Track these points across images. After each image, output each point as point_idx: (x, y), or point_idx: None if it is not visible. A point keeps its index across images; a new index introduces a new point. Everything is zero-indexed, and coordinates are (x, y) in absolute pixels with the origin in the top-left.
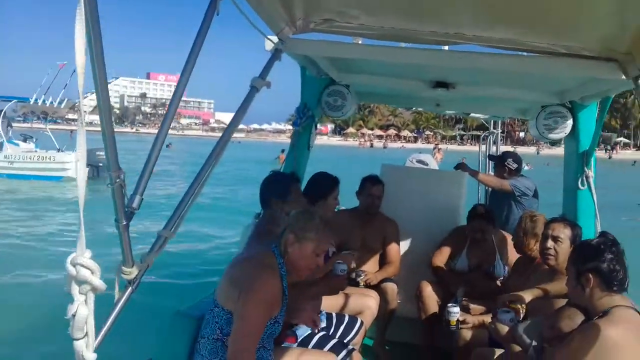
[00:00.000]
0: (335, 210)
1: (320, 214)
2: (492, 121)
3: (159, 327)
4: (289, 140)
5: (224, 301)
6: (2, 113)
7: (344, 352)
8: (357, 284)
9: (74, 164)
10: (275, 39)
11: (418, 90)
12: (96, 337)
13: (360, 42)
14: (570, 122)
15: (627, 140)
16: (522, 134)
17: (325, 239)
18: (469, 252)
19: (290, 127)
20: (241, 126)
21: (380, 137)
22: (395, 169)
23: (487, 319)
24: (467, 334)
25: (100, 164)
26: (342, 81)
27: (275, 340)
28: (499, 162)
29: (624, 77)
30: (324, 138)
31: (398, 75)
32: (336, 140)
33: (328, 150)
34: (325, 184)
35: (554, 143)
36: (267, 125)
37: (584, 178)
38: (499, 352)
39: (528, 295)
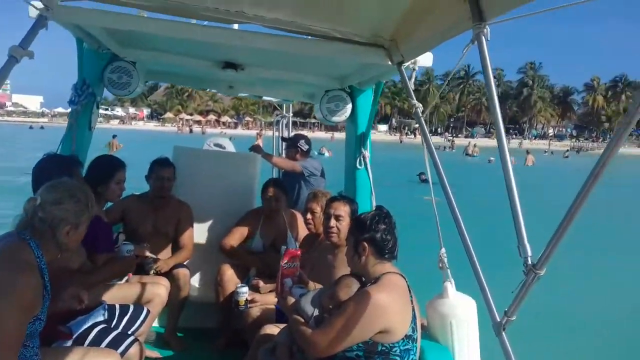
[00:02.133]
0: (122, 196)
1: (76, 187)
2: (284, 105)
3: None
4: (127, 126)
5: None
6: None
7: (125, 344)
8: (147, 273)
9: None
10: (39, 4)
11: (208, 70)
12: None
13: (145, 15)
14: (349, 106)
15: None
16: None
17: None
18: (262, 232)
19: (102, 111)
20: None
21: (199, 122)
22: (188, 151)
23: (273, 296)
24: (255, 312)
25: None
26: (127, 57)
27: (46, 339)
28: (292, 143)
29: (389, 62)
30: (140, 123)
31: (187, 54)
32: (153, 126)
33: (145, 136)
34: (107, 168)
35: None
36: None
37: (362, 158)
38: (284, 326)
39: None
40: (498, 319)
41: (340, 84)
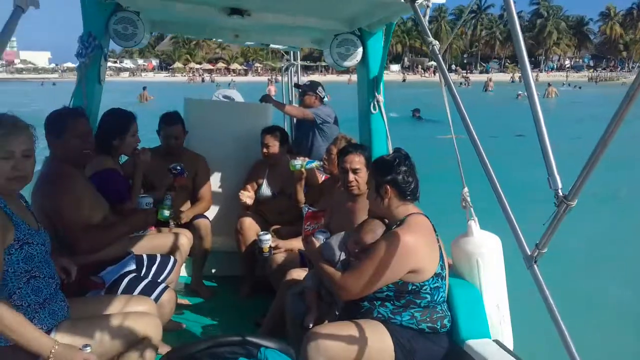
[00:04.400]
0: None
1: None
2: (292, 52)
3: None
4: (137, 78)
5: None
6: None
7: (157, 290)
8: (167, 225)
9: None
10: None
11: (214, 17)
12: None
13: None
14: (360, 49)
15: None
16: None
17: (4, 139)
18: (269, 180)
19: (111, 64)
20: (52, 65)
21: (209, 71)
22: (200, 103)
23: (298, 242)
24: (279, 257)
25: None
26: (130, 7)
27: (79, 289)
28: (310, 89)
29: (402, 0)
30: (150, 75)
31: (192, 1)
32: (163, 77)
33: (162, 87)
34: (122, 120)
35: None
36: None
37: (375, 102)
38: (310, 271)
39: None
40: (529, 252)
41: (350, 27)
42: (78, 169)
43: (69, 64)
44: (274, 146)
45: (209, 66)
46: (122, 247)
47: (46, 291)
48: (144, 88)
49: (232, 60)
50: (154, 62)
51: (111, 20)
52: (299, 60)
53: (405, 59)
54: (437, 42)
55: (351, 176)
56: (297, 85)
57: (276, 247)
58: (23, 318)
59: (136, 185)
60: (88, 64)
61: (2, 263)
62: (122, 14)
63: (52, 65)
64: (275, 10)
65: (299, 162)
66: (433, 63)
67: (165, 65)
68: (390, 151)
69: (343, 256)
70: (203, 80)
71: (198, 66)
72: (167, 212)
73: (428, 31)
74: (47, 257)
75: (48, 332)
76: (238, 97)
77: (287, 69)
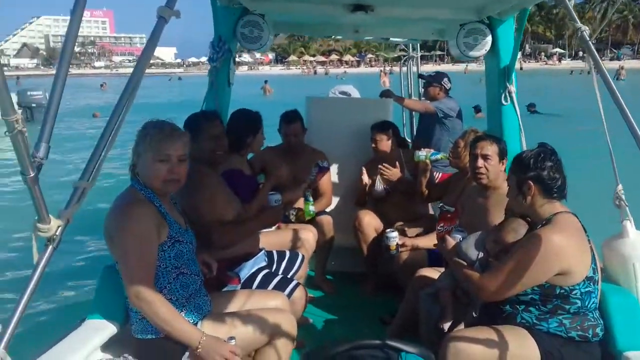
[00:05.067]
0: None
1: (154, 123)
2: (410, 44)
3: (91, 285)
4: (254, 72)
5: (113, 255)
6: None
7: (289, 287)
8: (289, 221)
9: None
10: None
11: (336, 15)
12: (18, 303)
13: None
14: (489, 38)
15: (562, 51)
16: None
17: (163, 143)
18: (382, 175)
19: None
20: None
21: (322, 63)
22: (320, 101)
23: (425, 240)
24: (406, 256)
25: (34, 105)
26: (256, 10)
27: (216, 284)
28: (435, 81)
29: None
30: (266, 68)
31: (315, 0)
32: (279, 69)
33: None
34: (253, 120)
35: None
36: (205, 58)
37: (507, 93)
38: (439, 271)
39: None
40: None
41: (478, 15)
42: (212, 168)
43: (193, 59)
44: (383, 141)
45: (322, 58)
46: (255, 243)
47: (192, 287)
48: (266, 82)
49: (344, 52)
50: (270, 55)
51: (238, 23)
52: (418, 52)
53: (527, 46)
54: (587, 28)
55: (480, 162)
56: (421, 76)
57: (403, 245)
58: (175, 311)
59: (265, 189)
60: (219, 68)
61: (156, 259)
62: (248, 17)
63: (178, 60)
64: (401, 3)
65: (423, 153)
66: (558, 50)
67: (280, 59)
68: (524, 145)
69: (481, 256)
70: (315, 73)
71: (312, 59)
72: (312, 208)
73: (574, 15)
74: (193, 255)
75: (194, 324)
76: (355, 93)
77: (405, 60)
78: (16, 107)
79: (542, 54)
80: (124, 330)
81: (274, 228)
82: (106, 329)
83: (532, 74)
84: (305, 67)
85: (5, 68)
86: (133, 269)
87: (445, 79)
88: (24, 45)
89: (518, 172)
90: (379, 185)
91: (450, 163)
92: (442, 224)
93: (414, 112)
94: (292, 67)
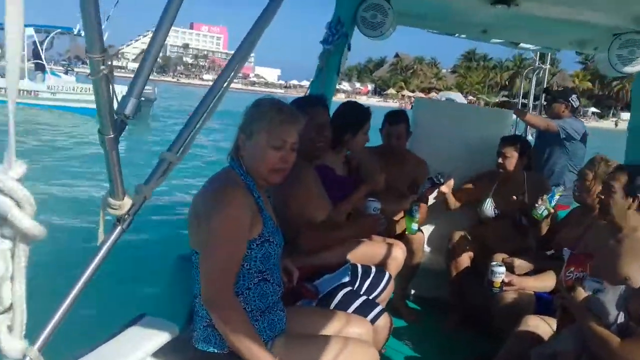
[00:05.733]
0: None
1: (271, 101)
2: (538, 54)
3: (157, 276)
4: (336, 99)
5: (193, 243)
6: (48, 42)
7: (374, 313)
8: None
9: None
10: None
11: (472, 9)
12: (71, 288)
13: None
14: None
15: None
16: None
17: (281, 127)
18: (495, 197)
19: None
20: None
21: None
22: (430, 104)
23: (537, 282)
24: (509, 297)
25: (143, 99)
26: None
27: (292, 295)
28: (561, 97)
29: None
30: (363, 98)
31: None
32: (376, 101)
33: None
34: (356, 115)
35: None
36: (306, 82)
37: None
38: (548, 321)
39: None
40: None
41: (637, 24)
42: (309, 162)
43: (294, 81)
44: (512, 158)
45: (421, 95)
46: (342, 253)
47: (271, 298)
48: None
49: (445, 91)
50: (370, 86)
51: (361, 6)
52: (547, 64)
53: None
54: None
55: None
56: (546, 91)
57: (509, 284)
58: (251, 327)
59: (360, 193)
60: (332, 52)
61: (237, 260)
62: (373, 0)
63: (281, 81)
64: (548, 0)
65: (542, 207)
66: None
67: (379, 91)
68: None
69: (622, 318)
70: (411, 107)
71: (411, 94)
72: (415, 226)
73: None
74: (279, 260)
75: (265, 344)
76: (460, 99)
77: (532, 72)
78: None
79: None
80: (184, 335)
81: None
82: (164, 332)
83: None
84: (402, 101)
85: (123, 71)
86: (217, 262)
87: (574, 96)
88: (143, 51)
89: None
90: (489, 207)
91: (574, 197)
92: (572, 269)
93: (529, 130)
94: (389, 100)
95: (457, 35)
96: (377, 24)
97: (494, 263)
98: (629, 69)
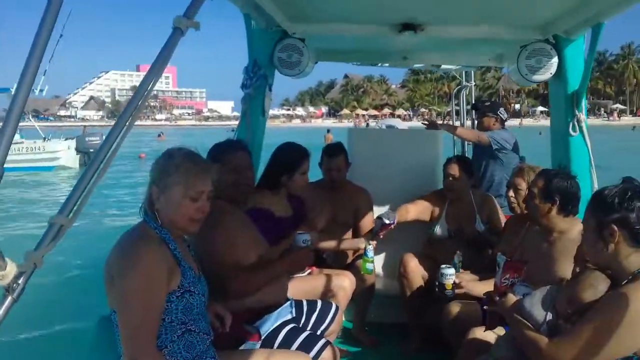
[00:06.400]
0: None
1: (184, 152)
2: (463, 73)
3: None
4: (307, 124)
5: (111, 302)
6: None
7: (317, 346)
8: (324, 264)
9: (65, 153)
10: None
11: (382, 37)
12: None
13: None
14: (555, 60)
15: (623, 107)
16: (517, 106)
17: (197, 178)
18: (448, 217)
19: (284, 111)
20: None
21: (374, 117)
22: (364, 132)
23: (486, 286)
24: (455, 309)
25: (92, 150)
26: (296, 33)
27: (233, 340)
28: (490, 111)
29: None
30: (318, 121)
31: (360, 20)
32: (331, 123)
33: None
34: (293, 156)
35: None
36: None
37: (575, 122)
38: (499, 329)
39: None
40: None
41: (542, 34)
42: (234, 205)
43: None
44: (459, 176)
45: (374, 112)
46: (280, 291)
47: (199, 348)
48: (328, 131)
49: (397, 106)
50: (324, 109)
51: (276, 47)
52: (472, 81)
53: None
54: None
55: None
56: (474, 107)
57: (459, 286)
58: None
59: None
60: (253, 95)
61: (162, 310)
62: (287, 40)
63: (235, 113)
64: (454, 21)
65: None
66: (619, 106)
67: (333, 112)
68: (595, 182)
69: (549, 317)
70: (367, 125)
71: (364, 112)
72: (371, 266)
73: None
74: (204, 309)
75: None
76: (401, 126)
77: (459, 91)
78: (74, 152)
79: (602, 109)
80: None
81: (305, 273)
82: None
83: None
84: (357, 120)
85: (72, 119)
86: (135, 320)
87: (502, 109)
88: (91, 98)
89: (598, 214)
90: (442, 228)
91: (509, 207)
92: (507, 276)
93: (466, 147)
94: (344, 120)
95: (379, 64)
96: (294, 63)
97: (443, 266)
98: (538, 77)
